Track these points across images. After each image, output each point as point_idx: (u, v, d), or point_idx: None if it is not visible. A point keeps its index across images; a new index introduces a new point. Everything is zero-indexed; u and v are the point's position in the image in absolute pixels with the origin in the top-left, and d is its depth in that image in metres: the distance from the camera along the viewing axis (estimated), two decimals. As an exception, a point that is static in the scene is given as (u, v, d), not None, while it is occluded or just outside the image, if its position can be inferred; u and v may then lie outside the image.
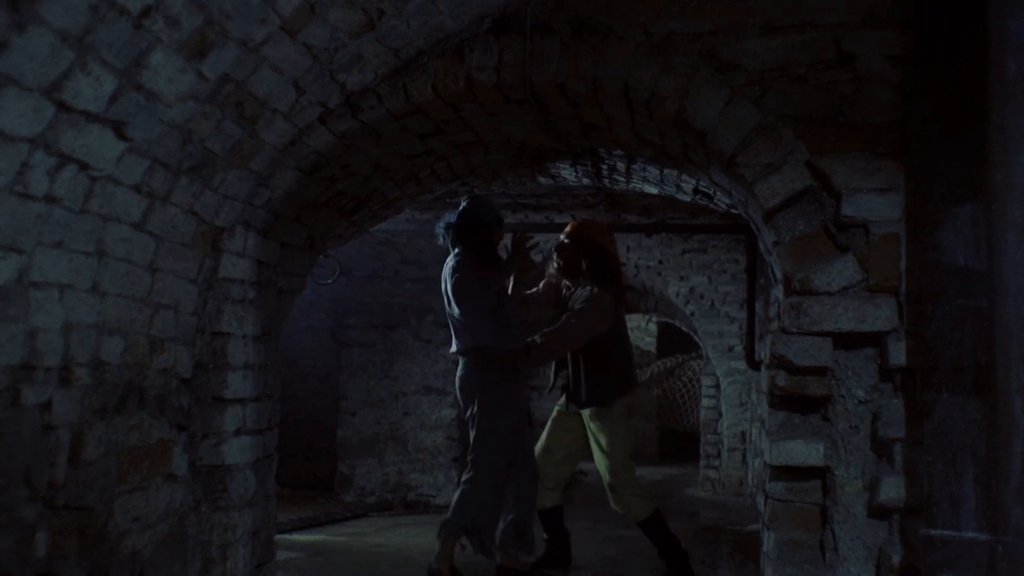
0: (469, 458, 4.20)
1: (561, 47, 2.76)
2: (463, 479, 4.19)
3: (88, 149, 2.09)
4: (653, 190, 4.29)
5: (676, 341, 11.48)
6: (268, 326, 3.30)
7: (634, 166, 3.82)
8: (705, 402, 8.73)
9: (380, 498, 7.42)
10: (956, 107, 2.43)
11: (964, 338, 2.39)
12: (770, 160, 2.62)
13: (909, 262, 2.51)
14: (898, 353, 2.50)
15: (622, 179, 4.19)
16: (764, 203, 2.62)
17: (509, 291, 4.37)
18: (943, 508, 2.39)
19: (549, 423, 4.59)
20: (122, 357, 2.55)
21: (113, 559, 2.56)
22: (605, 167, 3.99)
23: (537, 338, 4.25)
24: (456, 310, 4.09)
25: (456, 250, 4.25)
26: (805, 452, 2.57)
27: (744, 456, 8.01)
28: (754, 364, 6.16)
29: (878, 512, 2.52)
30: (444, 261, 4.35)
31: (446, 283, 4.16)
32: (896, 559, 2.48)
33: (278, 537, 3.90)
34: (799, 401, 2.59)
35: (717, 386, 8.33)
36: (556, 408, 4.62)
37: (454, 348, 4.27)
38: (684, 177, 3.61)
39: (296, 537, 5.77)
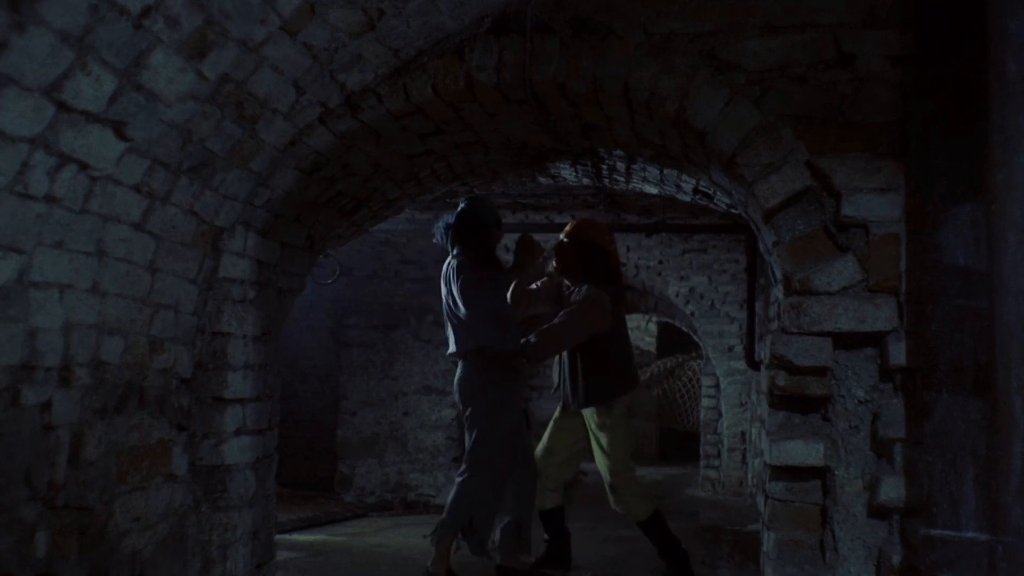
0: (466, 458, 4.19)
1: (561, 47, 2.76)
2: (458, 479, 4.18)
3: (88, 149, 2.09)
4: (653, 190, 4.29)
5: (676, 341, 11.49)
6: (268, 326, 3.30)
7: (634, 166, 3.82)
8: (705, 402, 8.73)
9: (380, 498, 7.42)
10: (956, 107, 2.43)
11: (964, 338, 2.39)
12: (770, 160, 2.62)
13: (909, 262, 2.51)
14: (898, 353, 2.50)
15: (622, 179, 4.19)
16: (764, 203, 2.62)
17: (510, 289, 4.38)
18: (943, 508, 2.39)
19: (551, 424, 4.59)
20: (122, 357, 2.55)
21: (113, 559, 2.56)
22: (605, 167, 3.99)
23: (532, 337, 4.25)
24: (463, 310, 4.09)
25: (455, 251, 4.25)
26: (805, 452, 2.57)
27: (744, 456, 8.02)
28: (754, 364, 6.16)
29: (878, 512, 2.52)
30: (444, 261, 4.35)
31: (450, 283, 4.16)
32: (896, 559, 2.48)
33: (278, 537, 3.91)
34: (799, 401, 2.59)
35: (717, 386, 8.33)
36: (558, 409, 4.62)
37: (452, 350, 4.26)
38: (684, 177, 3.61)
39: (296, 537, 5.77)
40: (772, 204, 2.61)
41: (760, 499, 3.44)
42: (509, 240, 6.90)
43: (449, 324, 4.25)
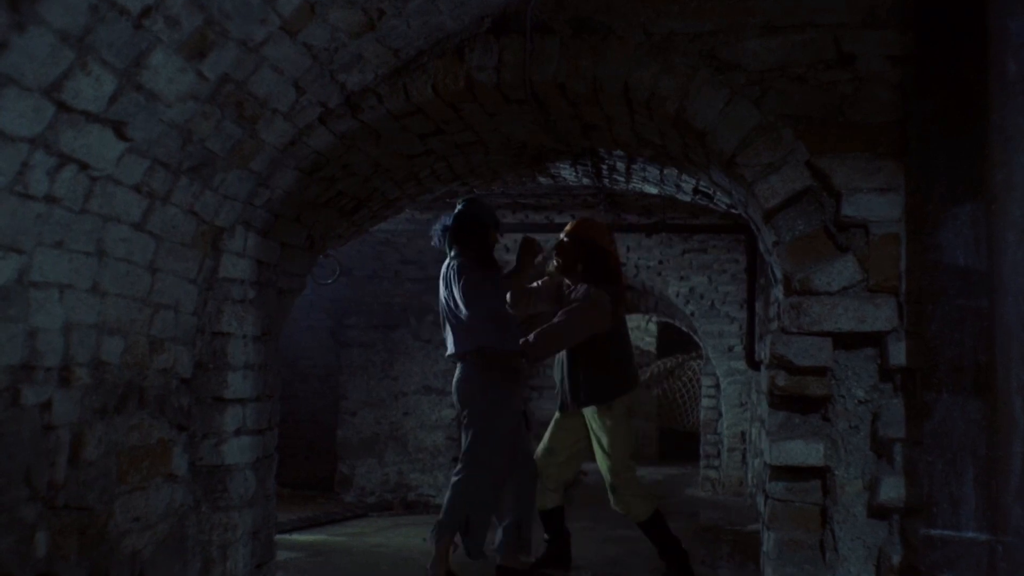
0: (461, 457, 4.20)
1: (561, 47, 2.76)
2: (453, 479, 4.18)
3: (88, 149, 2.09)
4: (653, 190, 4.29)
5: (676, 341, 11.49)
6: (268, 326, 3.30)
7: (634, 166, 3.82)
8: (705, 402, 8.73)
9: (380, 498, 7.42)
10: (956, 107, 2.43)
11: (964, 338, 2.39)
12: (770, 160, 2.62)
13: (909, 262, 2.51)
14: (898, 353, 2.50)
15: (622, 179, 4.19)
16: (764, 203, 2.62)
17: (510, 291, 4.39)
18: (943, 508, 2.39)
19: (552, 424, 4.59)
20: (122, 357, 2.56)
21: (113, 559, 2.56)
22: (605, 167, 3.99)
23: (531, 336, 4.25)
24: (464, 311, 4.09)
25: (453, 252, 4.25)
26: (805, 452, 2.57)
27: (744, 456, 8.02)
28: (754, 364, 6.16)
29: (878, 512, 2.52)
30: (444, 261, 4.35)
31: (450, 285, 4.16)
32: (896, 559, 2.48)
33: (278, 537, 3.91)
34: (799, 401, 2.59)
35: (717, 386, 8.33)
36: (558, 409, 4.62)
37: (451, 351, 4.26)
38: (684, 177, 3.61)
39: (296, 537, 5.77)
40: (772, 204, 2.61)
41: (760, 499, 3.44)
42: (509, 240, 6.92)
43: (448, 325, 4.25)
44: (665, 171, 3.67)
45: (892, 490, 2.48)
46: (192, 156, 2.47)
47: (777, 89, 2.63)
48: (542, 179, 4.37)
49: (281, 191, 3.02)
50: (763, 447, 2.92)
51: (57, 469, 2.29)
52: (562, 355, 4.49)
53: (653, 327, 12.11)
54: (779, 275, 2.73)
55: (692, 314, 7.87)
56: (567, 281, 4.59)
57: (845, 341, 2.56)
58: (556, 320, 4.34)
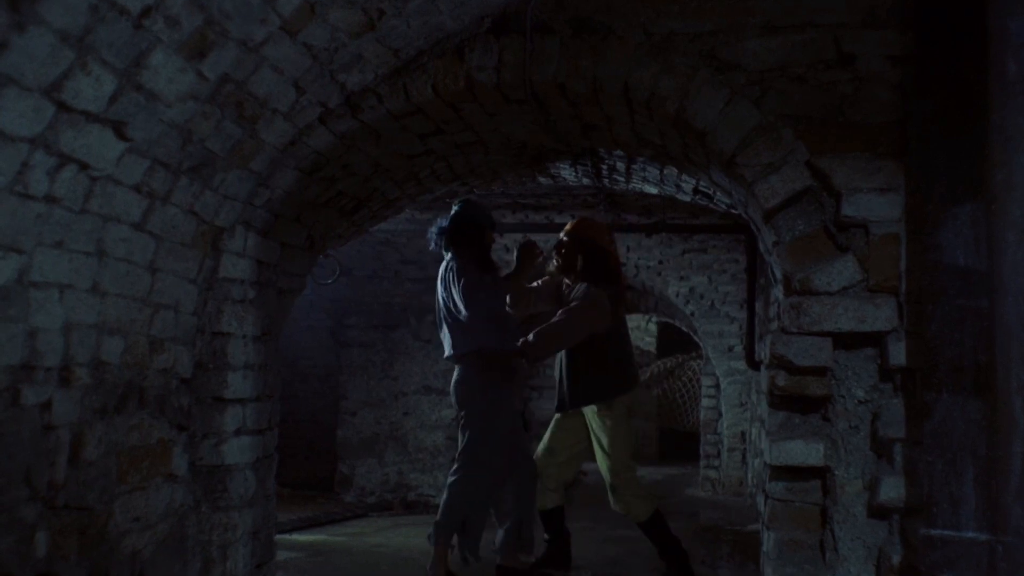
0: (458, 458, 4.20)
1: (561, 47, 2.76)
2: (451, 479, 4.19)
3: (88, 149, 2.09)
4: (653, 190, 4.29)
5: (676, 341, 11.49)
6: (268, 326, 3.30)
7: (634, 166, 3.82)
8: (705, 402, 8.73)
9: (380, 498, 7.42)
10: (956, 107, 2.43)
11: (964, 338, 2.39)
12: (770, 160, 2.62)
13: (909, 262, 2.51)
14: (898, 353, 2.50)
15: (622, 179, 4.19)
16: (764, 203, 2.62)
17: (509, 292, 4.39)
18: (943, 508, 2.39)
19: (552, 424, 4.59)
20: (122, 357, 2.55)
21: (113, 559, 2.56)
22: (605, 167, 3.99)
23: (531, 336, 4.26)
24: (464, 312, 4.09)
25: (450, 254, 4.25)
26: (805, 452, 2.57)
27: (744, 456, 8.02)
28: (754, 364, 6.16)
29: (878, 512, 2.52)
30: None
31: (449, 286, 4.16)
32: (896, 559, 2.48)
33: (278, 537, 3.90)
34: (799, 401, 2.59)
35: (717, 386, 8.33)
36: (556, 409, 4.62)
37: (449, 352, 4.26)
38: (684, 177, 3.61)
39: (296, 537, 5.77)
40: (772, 204, 2.61)
41: (760, 499, 3.44)
42: (510, 240, 6.92)
43: (445, 326, 4.25)
44: (665, 171, 3.67)
45: (892, 490, 2.48)
46: (192, 156, 2.47)
47: (777, 89, 2.63)
48: (542, 179, 4.37)
49: (281, 191, 3.02)
50: (763, 447, 2.92)
51: (57, 469, 2.29)
52: (561, 355, 4.49)
53: (653, 327, 12.11)
54: (779, 275, 2.73)
55: (692, 314, 7.88)
56: (566, 281, 4.59)
57: (845, 341, 2.56)
58: (556, 320, 4.34)
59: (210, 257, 2.90)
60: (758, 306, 6.16)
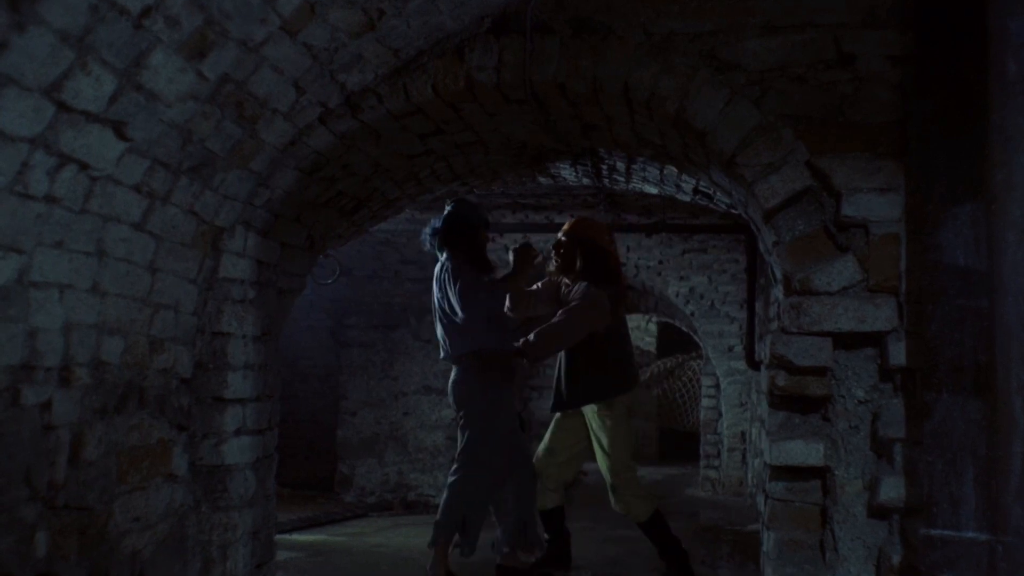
0: (457, 458, 4.20)
1: (561, 47, 2.76)
2: (450, 479, 4.19)
3: (88, 149, 2.09)
4: (653, 190, 4.29)
5: (676, 341, 11.49)
6: (268, 326, 3.30)
7: (634, 166, 3.82)
8: (705, 402, 8.73)
9: (380, 498, 7.42)
10: (956, 107, 2.43)
11: (964, 338, 2.39)
12: (770, 160, 2.62)
13: (909, 262, 2.51)
14: (898, 353, 2.50)
15: (622, 179, 4.19)
16: (764, 203, 2.62)
17: (507, 293, 4.38)
18: (943, 508, 2.39)
19: (552, 424, 4.58)
20: (122, 357, 2.56)
21: (113, 559, 2.56)
22: (605, 167, 3.99)
23: (531, 336, 4.25)
24: (461, 313, 4.09)
25: (444, 254, 4.25)
26: (805, 452, 2.57)
27: (744, 456, 8.02)
28: (754, 364, 6.16)
29: (878, 512, 2.52)
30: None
31: (444, 287, 4.16)
32: (896, 559, 2.48)
33: (278, 537, 3.91)
34: (799, 401, 2.59)
35: (717, 386, 8.33)
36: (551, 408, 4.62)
37: (446, 353, 4.26)
38: (684, 177, 3.61)
39: (296, 537, 5.77)
40: (772, 204, 2.61)
41: (760, 499, 3.44)
42: (510, 240, 6.91)
43: (441, 326, 4.25)
44: (665, 171, 3.67)
45: (892, 490, 2.48)
46: (192, 156, 2.47)
47: (777, 89, 2.63)
48: (542, 179, 4.37)
49: (281, 191, 3.02)
50: (763, 447, 2.92)
51: (57, 469, 2.29)
52: (561, 354, 4.49)
53: (653, 327, 12.11)
54: (779, 275, 2.73)
55: (692, 314, 7.88)
56: (566, 281, 4.58)
57: (845, 341, 2.56)
58: (556, 320, 4.34)
59: (210, 257, 2.90)
60: (758, 306, 6.16)
